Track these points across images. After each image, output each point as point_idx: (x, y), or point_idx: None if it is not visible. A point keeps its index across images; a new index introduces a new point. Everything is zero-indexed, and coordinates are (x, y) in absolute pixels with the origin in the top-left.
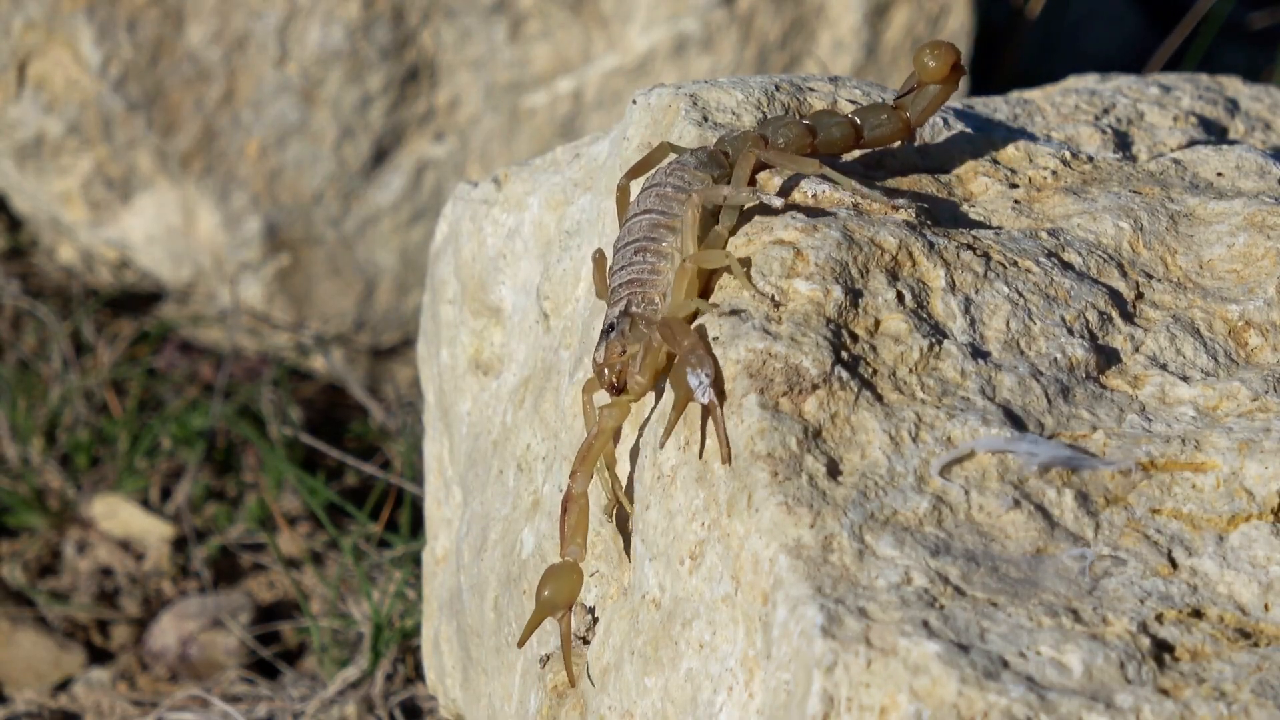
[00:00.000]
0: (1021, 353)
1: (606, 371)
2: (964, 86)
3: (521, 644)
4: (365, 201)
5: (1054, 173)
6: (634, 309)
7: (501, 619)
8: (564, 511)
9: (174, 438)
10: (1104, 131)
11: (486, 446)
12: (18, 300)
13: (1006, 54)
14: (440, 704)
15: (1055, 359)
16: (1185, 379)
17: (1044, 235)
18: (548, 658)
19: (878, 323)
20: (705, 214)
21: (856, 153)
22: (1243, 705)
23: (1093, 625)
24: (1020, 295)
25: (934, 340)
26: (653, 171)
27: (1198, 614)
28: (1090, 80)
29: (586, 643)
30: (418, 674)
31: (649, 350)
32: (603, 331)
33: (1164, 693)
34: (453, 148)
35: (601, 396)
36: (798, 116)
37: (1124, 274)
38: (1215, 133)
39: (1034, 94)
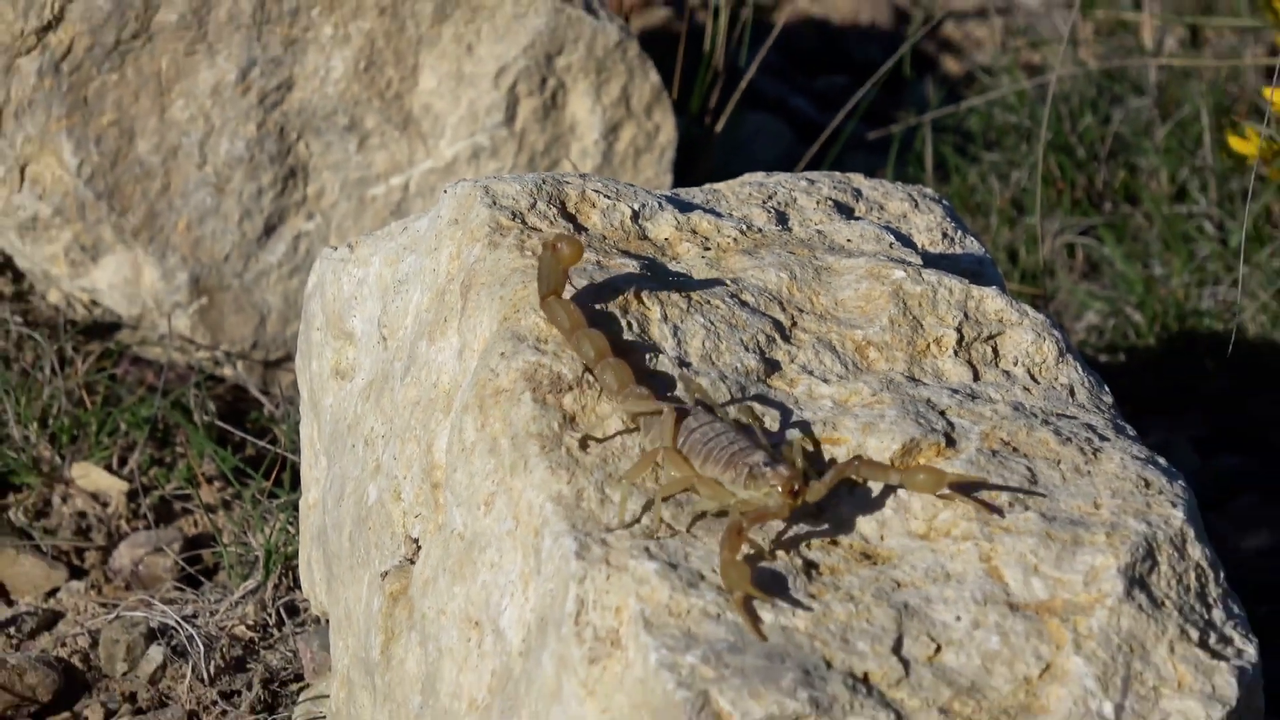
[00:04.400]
0: (713, 363)
1: (796, 488)
2: (671, 180)
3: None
4: (259, 261)
5: (735, 239)
6: (778, 458)
7: (354, 546)
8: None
9: (128, 423)
10: (769, 211)
11: (343, 429)
12: (20, 328)
13: (700, 159)
14: (312, 605)
15: (736, 367)
16: (826, 381)
17: (728, 282)
18: (385, 573)
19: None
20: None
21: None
22: (865, 605)
23: (764, 549)
24: (712, 323)
25: (652, 354)
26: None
27: (835, 543)
28: (759, 176)
29: (413, 564)
30: (296, 585)
31: (826, 484)
32: (764, 463)
33: (811, 596)
34: (319, 224)
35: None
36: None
37: (783, 309)
38: (845, 212)
39: (720, 186)
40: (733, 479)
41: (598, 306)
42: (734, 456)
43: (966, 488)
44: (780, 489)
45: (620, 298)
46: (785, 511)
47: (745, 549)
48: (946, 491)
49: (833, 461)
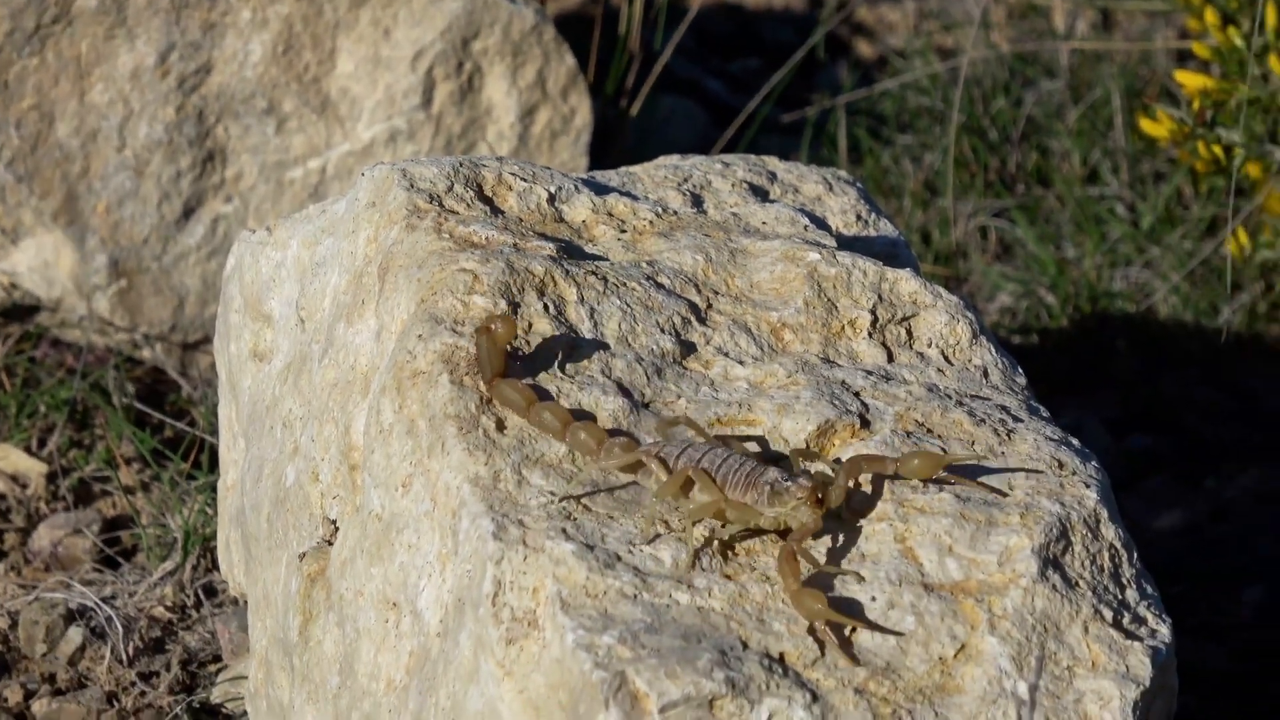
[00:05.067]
0: (629, 345)
1: (819, 495)
2: (587, 163)
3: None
4: (178, 243)
5: (651, 222)
6: (795, 473)
7: (272, 528)
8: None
9: (47, 405)
10: (684, 194)
11: (262, 410)
12: None
13: (615, 141)
14: (230, 586)
15: (652, 349)
16: (741, 363)
17: (644, 265)
18: (303, 554)
19: (530, 324)
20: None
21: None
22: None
23: (679, 531)
24: (628, 305)
25: (569, 335)
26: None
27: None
28: (674, 159)
29: (331, 545)
30: (214, 566)
31: (841, 487)
32: (783, 478)
33: (727, 577)
34: (237, 206)
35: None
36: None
37: (699, 291)
38: (760, 195)
39: (636, 169)
40: (755, 499)
41: (514, 289)
42: (749, 477)
43: (964, 470)
44: (805, 501)
45: (538, 280)
46: (819, 523)
47: (805, 569)
48: (943, 474)
49: (837, 461)
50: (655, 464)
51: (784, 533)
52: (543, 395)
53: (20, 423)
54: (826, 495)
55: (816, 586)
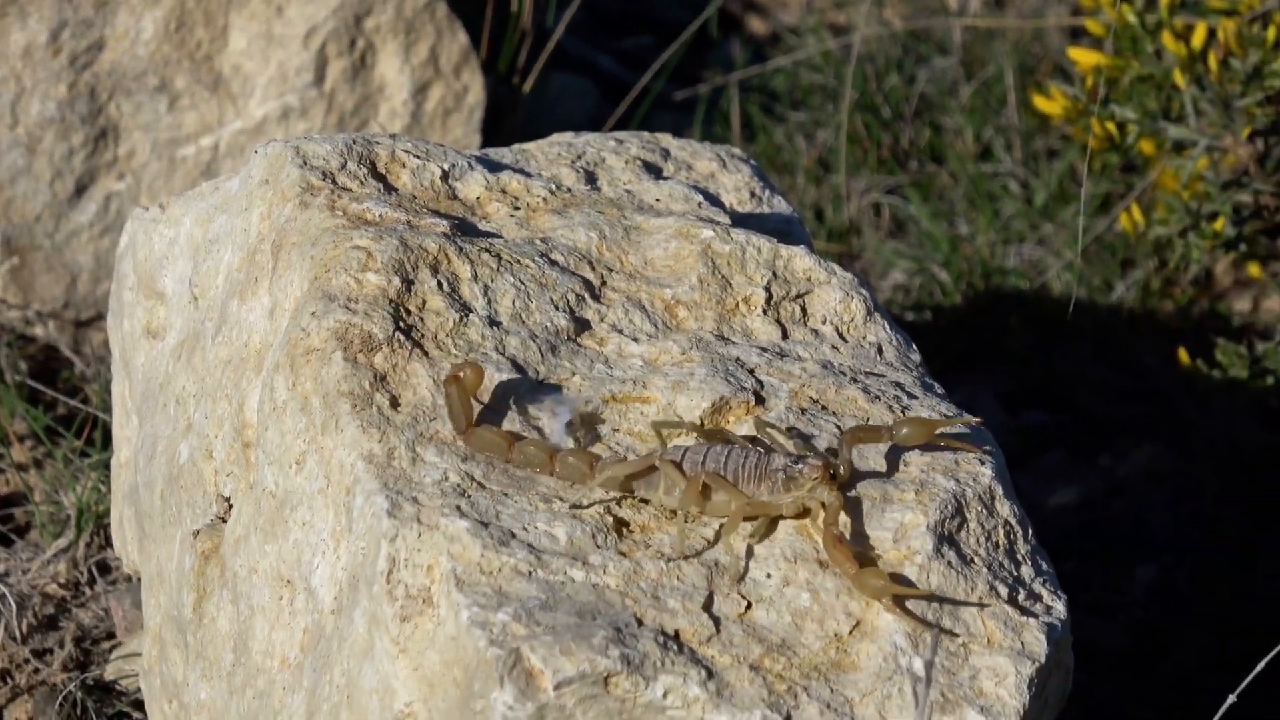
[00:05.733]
0: (523, 322)
1: (832, 472)
2: (480, 141)
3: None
4: (71, 221)
5: (544, 199)
6: (807, 454)
7: (166, 505)
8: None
9: None
10: (578, 171)
11: (155, 388)
12: None
13: (508, 119)
14: (124, 563)
15: (547, 326)
16: (635, 340)
17: (538, 242)
18: (197, 531)
19: (424, 302)
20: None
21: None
22: (676, 562)
23: (574, 509)
24: (522, 283)
25: (462, 314)
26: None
27: (646, 501)
28: (568, 136)
29: (225, 522)
30: (108, 543)
31: (847, 460)
32: (793, 462)
33: (622, 554)
34: (130, 184)
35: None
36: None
37: (593, 268)
38: (654, 172)
39: (529, 146)
40: (770, 489)
41: (407, 266)
42: (756, 468)
43: (953, 435)
44: (820, 480)
45: (431, 257)
46: (841, 498)
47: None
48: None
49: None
50: (670, 469)
51: (798, 516)
52: (515, 436)
53: None
54: (838, 471)
55: (874, 566)
